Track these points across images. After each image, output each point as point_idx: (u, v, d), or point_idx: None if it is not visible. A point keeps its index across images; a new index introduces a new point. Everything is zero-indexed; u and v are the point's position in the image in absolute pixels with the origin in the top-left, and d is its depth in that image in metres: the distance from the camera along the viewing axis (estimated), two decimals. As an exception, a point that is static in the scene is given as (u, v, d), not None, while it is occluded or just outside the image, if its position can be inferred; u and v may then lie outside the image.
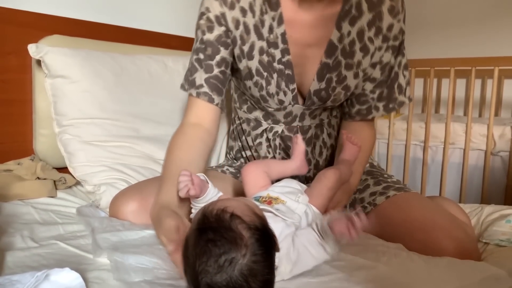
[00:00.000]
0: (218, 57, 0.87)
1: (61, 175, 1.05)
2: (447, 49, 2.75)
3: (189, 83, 0.90)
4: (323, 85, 0.91)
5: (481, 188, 1.87)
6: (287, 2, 0.86)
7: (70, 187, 1.07)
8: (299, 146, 0.86)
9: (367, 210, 0.93)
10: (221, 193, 0.74)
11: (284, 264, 0.60)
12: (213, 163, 1.25)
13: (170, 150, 0.87)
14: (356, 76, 0.92)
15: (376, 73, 0.94)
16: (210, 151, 0.92)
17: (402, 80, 0.96)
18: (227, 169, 1.06)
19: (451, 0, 2.74)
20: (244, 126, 1.04)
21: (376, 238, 0.82)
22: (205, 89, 0.88)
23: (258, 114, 1.00)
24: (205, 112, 0.90)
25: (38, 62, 1.08)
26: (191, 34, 1.57)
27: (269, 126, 1.00)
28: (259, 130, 1.01)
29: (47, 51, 1.05)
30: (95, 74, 1.09)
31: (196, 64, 0.89)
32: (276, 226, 0.60)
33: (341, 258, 0.68)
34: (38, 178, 1.01)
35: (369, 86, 0.95)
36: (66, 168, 1.06)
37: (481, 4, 2.63)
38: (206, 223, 0.52)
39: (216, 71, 0.88)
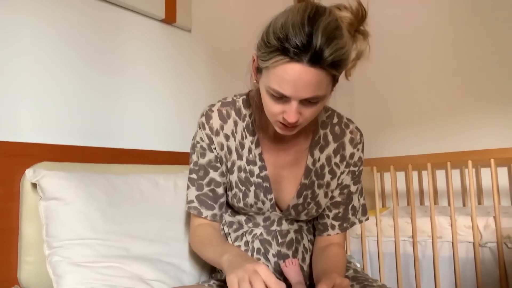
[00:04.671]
0: (207, 178, 1.02)
1: (46, 303, 1.02)
2: (423, 143, 2.90)
3: (186, 197, 1.05)
4: (300, 200, 1.02)
5: (475, 282, 1.85)
6: (262, 133, 1.01)
7: (56, 314, 1.04)
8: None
9: None
10: None
11: None
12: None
13: (193, 238, 1.04)
14: (326, 195, 1.05)
15: (336, 193, 1.06)
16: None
17: (356, 203, 1.08)
18: (214, 283, 1.06)
19: (427, 100, 2.94)
20: (226, 229, 1.10)
21: None
22: (195, 204, 1.02)
23: (240, 218, 1.08)
24: (201, 222, 1.04)
25: (31, 186, 1.11)
26: (177, 149, 1.67)
27: (249, 229, 1.06)
28: (240, 232, 1.08)
29: (44, 175, 1.09)
30: (89, 196, 1.12)
31: (189, 183, 1.04)
32: None
33: None
34: (23, 308, 0.98)
35: (327, 203, 1.07)
36: (52, 297, 1.04)
37: (452, 102, 2.83)
38: None
39: (205, 189, 1.02)
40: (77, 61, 1.38)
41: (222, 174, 1.03)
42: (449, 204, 2.74)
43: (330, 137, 1.03)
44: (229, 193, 1.04)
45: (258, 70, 0.85)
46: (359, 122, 3.17)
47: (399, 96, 3.01)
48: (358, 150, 1.05)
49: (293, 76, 0.76)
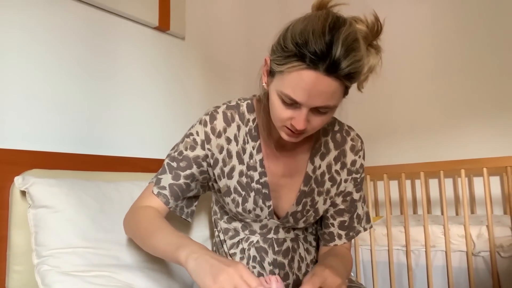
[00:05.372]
0: (188, 172, 1.00)
1: (35, 312, 1.00)
2: (416, 151, 2.90)
3: (156, 180, 1.02)
4: (299, 208, 1.02)
5: (468, 291, 1.85)
6: (265, 138, 1.01)
7: (44, 325, 1.02)
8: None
9: None
10: None
11: None
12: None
13: (133, 218, 0.97)
14: (325, 202, 1.05)
15: (339, 201, 1.06)
16: None
17: (360, 211, 1.08)
18: None
19: (419, 108, 2.95)
20: (222, 236, 1.09)
21: None
22: (166, 192, 0.99)
23: (237, 224, 1.07)
24: (160, 208, 1.00)
25: (21, 194, 1.09)
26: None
27: (246, 236, 1.06)
28: (236, 239, 1.07)
29: (33, 182, 1.07)
30: (79, 203, 1.11)
31: (167, 168, 1.01)
32: None
33: None
34: (11, 318, 0.96)
35: (331, 211, 1.07)
36: (41, 306, 1.02)
37: (445, 111, 2.85)
38: None
39: (181, 180, 1.00)
40: (69, 67, 1.38)
41: (202, 173, 1.02)
42: (442, 213, 2.74)
43: (331, 145, 1.04)
44: (227, 199, 1.02)
45: (271, 74, 0.85)
46: (353, 131, 3.17)
47: (393, 105, 3.03)
48: (359, 157, 1.06)
49: (308, 83, 0.76)
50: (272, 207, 1.01)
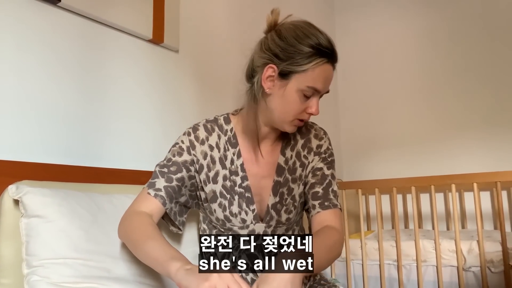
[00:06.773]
0: (179, 175, 1.06)
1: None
2: (408, 166, 2.92)
3: (149, 184, 1.06)
4: (277, 198, 1.09)
5: (459, 307, 1.85)
6: (244, 144, 1.11)
7: (32, 338, 1.00)
8: None
9: None
10: None
11: None
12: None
13: (128, 223, 1.00)
14: (299, 187, 1.12)
15: (310, 177, 1.12)
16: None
17: (335, 188, 1.13)
18: None
19: (411, 123, 2.98)
20: None
21: None
22: (162, 193, 1.04)
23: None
24: (155, 210, 1.03)
25: (11, 204, 1.08)
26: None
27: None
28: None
29: (27, 191, 1.07)
30: (72, 214, 1.10)
31: (159, 174, 1.06)
32: None
33: None
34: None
35: (306, 189, 1.12)
36: (29, 319, 1.00)
37: (436, 127, 2.88)
38: None
39: (174, 183, 1.06)
40: (61, 79, 1.37)
41: (190, 178, 1.08)
42: (433, 228, 2.75)
43: (298, 136, 1.15)
44: (213, 206, 1.07)
45: (283, 77, 0.98)
46: (345, 145, 3.20)
47: (384, 120, 3.05)
48: (325, 142, 1.16)
49: (328, 74, 0.98)
50: (256, 211, 1.06)
